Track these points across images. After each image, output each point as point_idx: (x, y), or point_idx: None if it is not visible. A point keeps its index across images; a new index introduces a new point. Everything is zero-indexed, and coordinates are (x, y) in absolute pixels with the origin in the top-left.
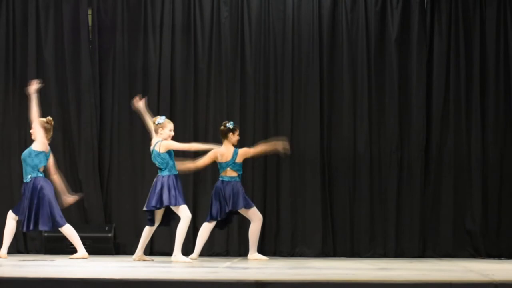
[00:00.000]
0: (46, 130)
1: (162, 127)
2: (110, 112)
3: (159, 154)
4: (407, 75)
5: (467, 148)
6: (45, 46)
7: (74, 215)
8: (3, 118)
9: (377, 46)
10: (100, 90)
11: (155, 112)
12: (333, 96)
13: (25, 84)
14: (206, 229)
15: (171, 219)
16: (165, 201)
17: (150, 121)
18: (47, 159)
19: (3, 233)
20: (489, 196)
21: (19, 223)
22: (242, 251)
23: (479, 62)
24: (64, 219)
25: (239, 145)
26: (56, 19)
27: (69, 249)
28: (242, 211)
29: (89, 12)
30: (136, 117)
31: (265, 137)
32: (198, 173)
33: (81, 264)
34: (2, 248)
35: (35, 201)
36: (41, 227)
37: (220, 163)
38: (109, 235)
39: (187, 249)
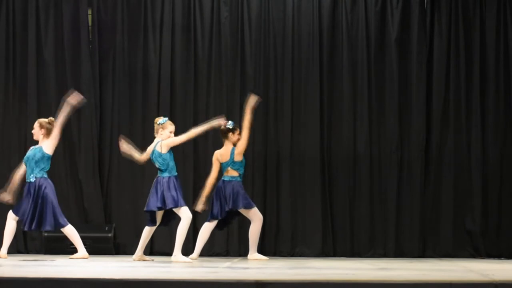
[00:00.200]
0: (48, 130)
1: (163, 128)
2: (110, 112)
3: (160, 154)
4: (407, 75)
5: (467, 148)
6: (45, 46)
7: (74, 215)
8: (3, 118)
9: (377, 46)
10: (100, 90)
11: (155, 112)
12: (333, 96)
13: (25, 84)
14: (207, 229)
15: (171, 219)
16: (169, 204)
17: (137, 153)
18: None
19: (3, 233)
20: (489, 196)
21: (19, 223)
22: (242, 251)
23: (479, 62)
24: (66, 219)
25: None
26: (56, 19)
27: (69, 249)
28: (243, 211)
29: (89, 12)
30: (136, 117)
31: (265, 137)
32: (198, 173)
33: (81, 264)
34: (2, 248)
35: (40, 201)
36: (44, 227)
37: (222, 164)
38: (109, 235)
39: (187, 249)
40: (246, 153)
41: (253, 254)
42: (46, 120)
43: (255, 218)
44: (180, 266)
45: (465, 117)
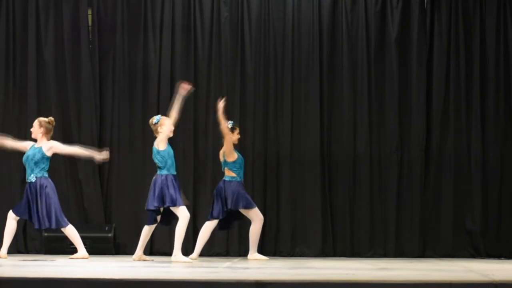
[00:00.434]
0: (47, 130)
1: (160, 125)
2: (110, 112)
3: (158, 152)
4: (407, 75)
5: (467, 148)
6: (45, 46)
7: (74, 215)
8: (3, 118)
9: (377, 46)
10: (100, 90)
11: (155, 112)
12: (333, 96)
13: (25, 84)
14: (207, 228)
15: (171, 219)
16: (167, 202)
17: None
18: None
19: (3, 233)
20: (489, 196)
21: (19, 223)
22: (242, 251)
23: (479, 62)
24: (66, 219)
25: (240, 144)
26: (56, 19)
27: (69, 249)
28: (243, 211)
29: (89, 12)
30: (136, 117)
31: (265, 137)
32: (198, 173)
33: (81, 264)
34: (2, 248)
35: (42, 200)
36: (47, 226)
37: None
38: (109, 235)
39: (187, 249)
40: (246, 153)
41: (253, 254)
42: (46, 119)
43: (256, 218)
44: (180, 266)
45: (465, 117)
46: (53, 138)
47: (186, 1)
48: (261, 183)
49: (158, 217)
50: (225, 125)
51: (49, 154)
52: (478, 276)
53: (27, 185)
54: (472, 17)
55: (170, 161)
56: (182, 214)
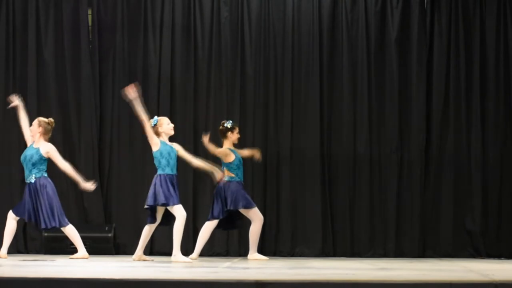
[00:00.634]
0: (46, 130)
1: (160, 126)
2: (110, 112)
3: (153, 152)
4: (407, 75)
5: (467, 148)
6: (45, 46)
7: (74, 215)
8: (3, 118)
9: (377, 46)
10: (100, 90)
11: (155, 112)
12: (333, 96)
13: (25, 84)
14: (207, 228)
15: (171, 219)
16: (160, 200)
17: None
18: None
19: (3, 233)
20: (489, 196)
21: (19, 223)
22: (242, 251)
23: (479, 62)
24: (66, 219)
25: (240, 144)
26: (56, 19)
27: (69, 249)
28: (243, 211)
29: (89, 12)
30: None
31: (265, 137)
32: (198, 173)
33: (81, 264)
34: (2, 248)
35: (42, 200)
36: (48, 225)
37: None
38: (109, 235)
39: (187, 249)
40: None
41: (253, 254)
42: (45, 120)
43: (256, 218)
44: (180, 266)
45: (465, 117)
46: (53, 138)
47: (186, 1)
48: (261, 183)
49: (159, 217)
50: (214, 151)
51: (46, 156)
52: (478, 276)
53: (26, 186)
54: (472, 17)
55: (165, 161)
56: (179, 213)
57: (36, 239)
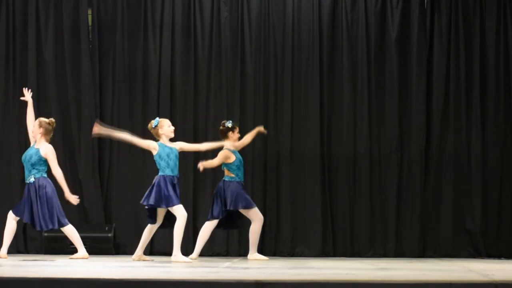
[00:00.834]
0: (47, 131)
1: (161, 127)
2: (110, 112)
3: (153, 156)
4: (407, 75)
5: (467, 148)
6: (45, 46)
7: (74, 215)
8: (3, 118)
9: (377, 46)
10: (100, 90)
11: (155, 112)
12: (333, 96)
13: (25, 84)
14: (207, 228)
15: (173, 220)
16: (150, 201)
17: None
18: None
19: (3, 233)
20: (489, 196)
21: (19, 223)
22: (242, 251)
23: (479, 62)
24: (66, 219)
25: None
26: (56, 19)
27: (69, 249)
28: (243, 211)
29: (89, 12)
30: (136, 117)
31: (265, 137)
32: (198, 173)
33: (81, 264)
34: (2, 248)
35: (42, 200)
36: (48, 226)
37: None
38: (109, 235)
39: (187, 249)
40: (246, 153)
41: (253, 254)
42: (46, 120)
43: (256, 218)
44: (180, 266)
45: (465, 117)
46: (53, 138)
47: (186, 1)
48: (261, 183)
49: (160, 218)
50: (214, 162)
51: (45, 157)
52: (478, 276)
53: (26, 186)
54: (472, 17)
55: (164, 163)
56: (179, 213)
57: (36, 239)
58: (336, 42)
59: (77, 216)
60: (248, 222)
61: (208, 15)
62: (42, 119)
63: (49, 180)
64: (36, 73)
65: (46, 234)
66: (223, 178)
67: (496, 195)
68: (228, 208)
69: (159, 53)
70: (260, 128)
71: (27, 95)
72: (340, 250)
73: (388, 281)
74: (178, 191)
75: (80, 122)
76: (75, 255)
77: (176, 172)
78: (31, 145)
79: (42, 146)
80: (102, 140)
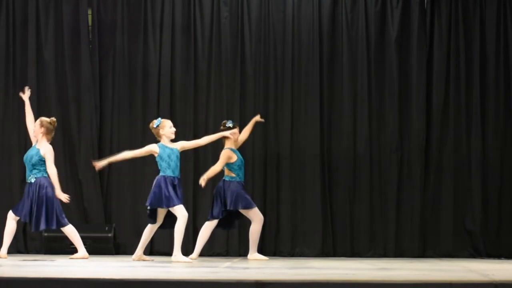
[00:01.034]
0: (48, 130)
1: (162, 128)
2: (110, 112)
3: (155, 157)
4: (407, 75)
5: (467, 148)
6: (45, 46)
7: (74, 215)
8: (3, 118)
9: (377, 46)
10: (100, 90)
11: (155, 112)
12: (333, 96)
13: (25, 84)
14: (207, 228)
15: (174, 221)
16: (152, 201)
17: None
18: None
19: (3, 233)
20: (489, 196)
21: (19, 223)
22: (242, 251)
23: (479, 62)
24: (66, 219)
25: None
26: (56, 19)
27: (69, 249)
28: (243, 211)
29: (89, 12)
30: (136, 117)
31: (265, 137)
32: (198, 173)
33: (81, 264)
34: (2, 248)
35: (41, 201)
36: (46, 227)
37: None
38: (109, 235)
39: (187, 249)
40: (246, 153)
41: (253, 254)
42: (47, 119)
43: (256, 218)
44: (180, 266)
45: (465, 117)
46: (54, 138)
47: (186, 1)
48: (261, 183)
49: (160, 218)
50: (216, 168)
51: (44, 157)
52: (478, 276)
53: (27, 186)
54: (472, 17)
55: (165, 163)
56: (180, 213)
57: (36, 239)
58: (336, 42)
59: (77, 216)
60: (248, 222)
61: (208, 15)
62: (43, 118)
63: (50, 181)
64: (36, 73)
65: (46, 234)
66: (223, 178)
67: (496, 195)
68: (228, 208)
69: (159, 53)
70: (256, 118)
71: (25, 94)
72: (340, 250)
73: (388, 281)
74: (180, 191)
75: (80, 122)
76: (75, 255)
77: (177, 173)
78: (33, 145)
79: (42, 147)
80: (102, 140)
